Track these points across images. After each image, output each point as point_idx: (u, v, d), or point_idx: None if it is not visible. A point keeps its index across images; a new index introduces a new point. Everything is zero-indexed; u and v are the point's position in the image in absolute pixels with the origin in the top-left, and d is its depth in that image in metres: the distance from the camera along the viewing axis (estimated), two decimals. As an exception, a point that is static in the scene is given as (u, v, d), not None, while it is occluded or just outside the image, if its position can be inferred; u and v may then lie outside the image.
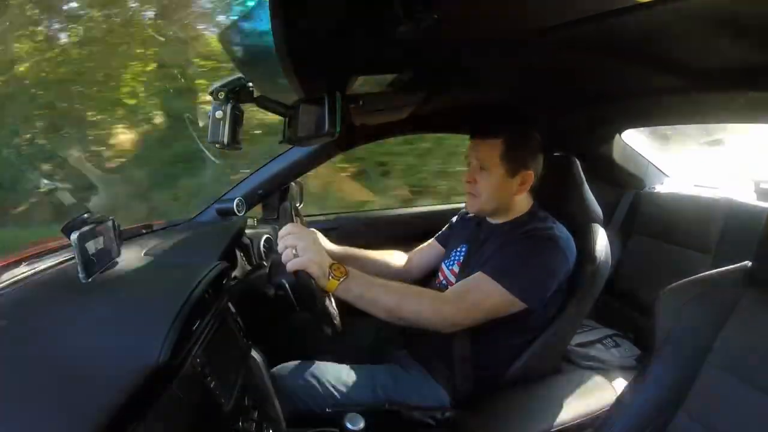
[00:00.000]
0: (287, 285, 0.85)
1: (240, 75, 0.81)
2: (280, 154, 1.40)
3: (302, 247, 0.81)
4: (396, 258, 1.28)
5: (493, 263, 0.94)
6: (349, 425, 0.83)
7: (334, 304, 0.91)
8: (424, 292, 0.93)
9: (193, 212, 1.39)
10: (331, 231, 1.64)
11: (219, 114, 0.80)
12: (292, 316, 0.93)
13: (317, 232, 0.97)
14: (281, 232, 0.86)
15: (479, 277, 0.92)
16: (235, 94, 0.81)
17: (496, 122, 1.03)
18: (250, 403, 0.84)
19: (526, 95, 1.17)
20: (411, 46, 0.64)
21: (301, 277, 0.80)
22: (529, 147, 1.02)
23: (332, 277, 0.82)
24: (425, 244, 1.30)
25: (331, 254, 0.89)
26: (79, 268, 0.71)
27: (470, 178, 1.02)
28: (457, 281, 1.03)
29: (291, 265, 0.81)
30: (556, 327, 1.02)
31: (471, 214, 1.22)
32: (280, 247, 0.84)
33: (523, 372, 1.02)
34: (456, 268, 1.10)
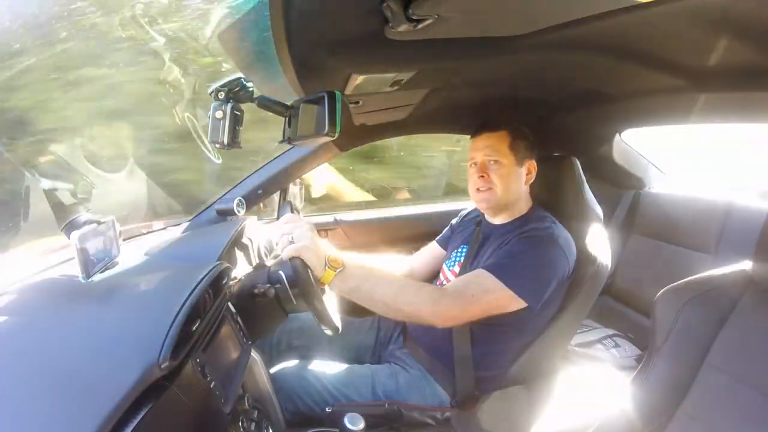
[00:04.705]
0: (284, 277, 0.84)
1: (240, 75, 0.81)
2: (280, 154, 1.40)
3: (298, 234, 0.81)
4: (398, 263, 1.28)
5: (493, 261, 0.94)
6: (349, 425, 0.83)
7: (334, 303, 0.91)
8: (422, 285, 0.93)
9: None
10: (331, 231, 1.64)
11: (219, 114, 0.80)
12: (292, 316, 0.93)
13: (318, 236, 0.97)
14: (279, 222, 0.86)
15: (479, 273, 0.92)
16: (235, 94, 0.81)
17: (498, 118, 1.07)
18: (250, 403, 0.84)
19: (527, 95, 1.17)
20: (410, 45, 0.64)
21: (296, 264, 0.79)
22: (529, 138, 1.07)
23: (328, 268, 0.81)
24: (426, 247, 1.30)
25: None
26: (79, 268, 0.71)
27: (481, 172, 1.04)
28: None
29: (287, 251, 0.80)
30: (556, 327, 1.01)
31: (471, 216, 1.22)
32: (277, 236, 0.84)
33: (523, 372, 1.02)
34: (457, 269, 1.10)
